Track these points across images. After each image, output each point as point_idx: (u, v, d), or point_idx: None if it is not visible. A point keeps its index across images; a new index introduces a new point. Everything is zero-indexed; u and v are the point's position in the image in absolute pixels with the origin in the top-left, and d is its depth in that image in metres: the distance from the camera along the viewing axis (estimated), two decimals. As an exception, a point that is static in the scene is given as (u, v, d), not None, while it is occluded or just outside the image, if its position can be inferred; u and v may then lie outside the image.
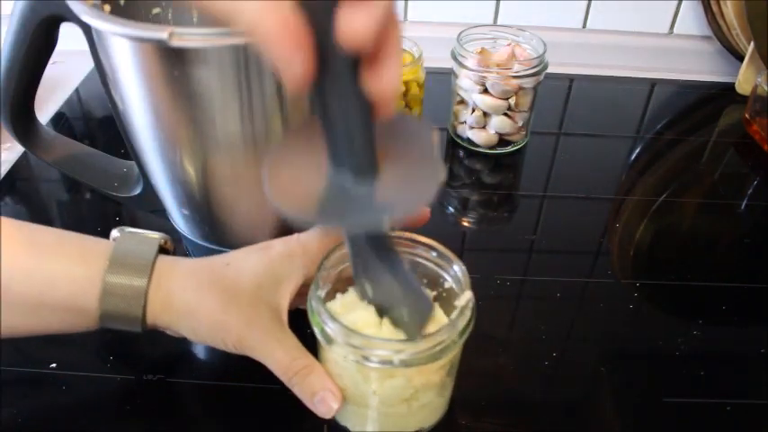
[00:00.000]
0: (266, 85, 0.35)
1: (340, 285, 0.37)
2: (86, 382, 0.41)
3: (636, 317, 0.47)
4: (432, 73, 0.65)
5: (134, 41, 0.33)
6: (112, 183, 0.48)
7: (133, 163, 0.46)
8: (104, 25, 0.32)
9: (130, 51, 0.34)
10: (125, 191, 0.47)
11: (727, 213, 0.59)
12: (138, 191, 0.47)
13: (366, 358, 0.31)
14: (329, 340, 0.32)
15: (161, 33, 0.31)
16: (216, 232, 0.44)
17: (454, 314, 0.33)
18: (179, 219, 0.45)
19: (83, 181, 0.48)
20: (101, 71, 0.39)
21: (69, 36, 0.39)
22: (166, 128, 0.38)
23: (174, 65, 0.33)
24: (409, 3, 0.80)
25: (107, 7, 0.39)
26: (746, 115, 0.68)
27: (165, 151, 0.39)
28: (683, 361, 0.43)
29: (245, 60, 0.33)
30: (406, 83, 0.61)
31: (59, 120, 0.69)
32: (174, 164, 0.40)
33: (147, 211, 0.49)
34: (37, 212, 0.58)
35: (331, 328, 0.32)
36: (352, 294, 0.36)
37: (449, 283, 0.36)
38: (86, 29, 0.37)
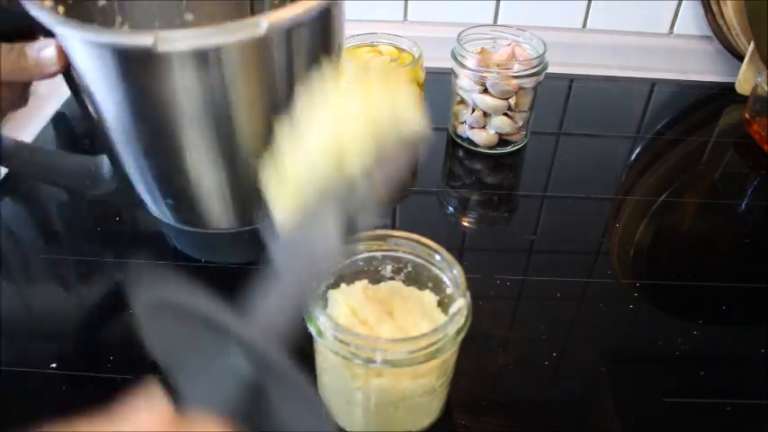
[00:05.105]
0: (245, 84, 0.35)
1: (348, 277, 0.37)
2: (86, 382, 0.41)
3: (636, 317, 0.47)
4: (432, 73, 0.65)
5: (116, 49, 0.32)
6: (83, 182, 0.46)
7: (102, 157, 0.45)
8: (83, 35, 0.31)
9: (102, 58, 0.33)
10: (97, 189, 0.46)
11: (727, 213, 0.59)
12: (111, 187, 0.46)
13: (353, 355, 0.31)
14: (319, 333, 0.32)
15: (146, 40, 0.30)
16: (202, 216, 0.44)
17: (444, 320, 0.33)
18: (164, 209, 0.45)
19: (53, 184, 0.46)
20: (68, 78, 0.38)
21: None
22: (143, 133, 0.37)
23: (151, 70, 0.33)
24: (409, 3, 0.80)
25: (61, 9, 0.38)
26: (746, 115, 0.68)
27: (146, 152, 0.39)
28: (683, 361, 0.43)
29: (225, 61, 0.33)
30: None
31: (60, 120, 0.69)
32: (157, 163, 0.40)
33: (122, 205, 0.47)
34: (37, 213, 0.58)
35: (321, 322, 0.32)
36: (357, 286, 0.37)
37: (449, 288, 0.36)
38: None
